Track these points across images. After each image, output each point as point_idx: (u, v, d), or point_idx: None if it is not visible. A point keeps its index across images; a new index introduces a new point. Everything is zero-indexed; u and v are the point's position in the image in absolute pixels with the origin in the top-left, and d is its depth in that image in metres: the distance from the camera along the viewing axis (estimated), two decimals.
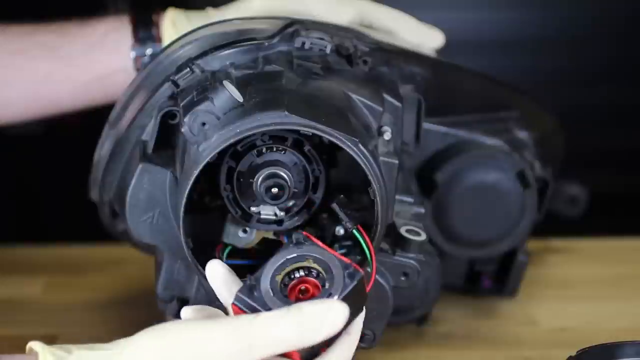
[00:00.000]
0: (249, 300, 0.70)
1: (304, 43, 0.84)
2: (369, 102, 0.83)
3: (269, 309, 0.69)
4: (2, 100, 0.98)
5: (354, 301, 0.70)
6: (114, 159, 0.87)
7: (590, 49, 1.50)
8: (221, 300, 0.74)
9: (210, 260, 0.75)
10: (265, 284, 0.70)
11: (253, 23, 0.87)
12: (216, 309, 0.73)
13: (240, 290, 0.70)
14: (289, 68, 0.83)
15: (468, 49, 1.40)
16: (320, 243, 0.73)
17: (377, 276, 0.83)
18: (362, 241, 0.78)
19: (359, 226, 0.79)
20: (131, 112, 0.86)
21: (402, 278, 0.84)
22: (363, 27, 0.95)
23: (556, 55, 1.51)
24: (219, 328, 0.67)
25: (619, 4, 1.50)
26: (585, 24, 1.50)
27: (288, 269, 0.72)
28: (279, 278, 0.71)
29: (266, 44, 0.84)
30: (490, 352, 0.95)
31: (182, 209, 0.77)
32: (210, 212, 0.83)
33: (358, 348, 0.83)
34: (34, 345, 0.70)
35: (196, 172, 0.76)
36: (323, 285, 0.71)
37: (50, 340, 0.94)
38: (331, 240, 0.81)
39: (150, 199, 0.83)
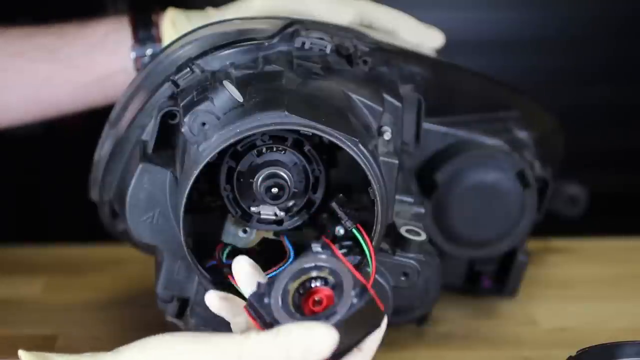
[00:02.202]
0: (257, 307, 0.69)
1: (304, 43, 0.84)
2: (369, 102, 0.83)
3: (274, 319, 0.69)
4: (2, 103, 0.98)
5: (363, 320, 0.69)
6: (114, 159, 0.87)
7: (590, 49, 1.50)
8: (244, 295, 0.74)
9: (238, 256, 0.75)
10: (276, 292, 0.69)
11: (253, 23, 0.87)
12: (240, 301, 0.73)
13: (252, 295, 0.70)
14: (289, 68, 0.83)
15: (468, 49, 1.40)
16: (339, 254, 0.71)
17: (377, 276, 0.83)
18: (361, 240, 0.78)
19: (358, 225, 0.79)
20: (131, 112, 0.86)
21: (402, 278, 0.84)
22: (363, 27, 0.95)
23: (556, 55, 1.51)
24: (207, 348, 0.67)
25: (619, 4, 1.50)
26: (585, 24, 1.50)
27: (305, 278, 0.70)
28: (293, 286, 0.70)
29: (266, 44, 0.84)
30: (490, 352, 0.95)
31: (182, 209, 0.77)
32: (210, 212, 0.83)
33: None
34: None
35: (196, 172, 0.76)
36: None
37: (50, 340, 0.94)
38: (331, 240, 0.81)
39: (150, 199, 0.83)
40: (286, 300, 0.69)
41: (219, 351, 0.67)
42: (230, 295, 0.75)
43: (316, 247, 0.71)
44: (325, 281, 0.70)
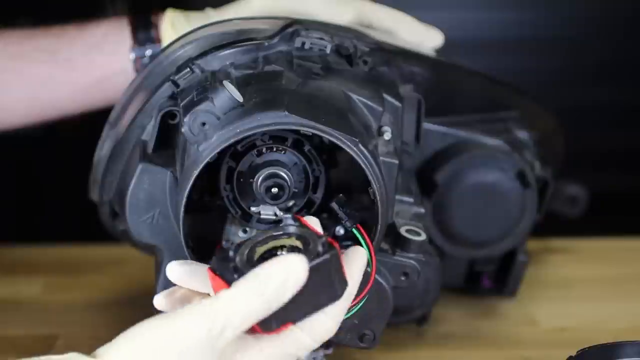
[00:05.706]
0: (222, 267, 0.70)
1: (304, 43, 0.84)
2: (369, 102, 0.83)
3: (241, 274, 0.69)
4: (2, 105, 0.98)
5: (328, 281, 0.69)
6: (114, 159, 0.87)
7: (590, 49, 1.50)
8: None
9: (169, 264, 0.75)
10: (243, 252, 0.70)
11: (253, 23, 0.87)
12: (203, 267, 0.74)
13: (216, 256, 0.71)
14: (289, 68, 0.83)
15: (468, 49, 1.40)
16: (308, 224, 0.72)
17: (377, 276, 0.83)
18: (361, 240, 0.78)
19: (358, 225, 0.79)
20: (131, 113, 0.86)
21: (402, 278, 0.84)
22: (363, 27, 0.95)
23: (556, 55, 1.51)
24: (186, 319, 0.66)
25: (619, 4, 1.50)
26: (585, 24, 1.50)
27: (272, 244, 0.71)
28: (260, 250, 0.71)
29: (266, 44, 0.84)
30: (490, 352, 0.95)
31: (182, 209, 0.77)
32: (210, 212, 0.83)
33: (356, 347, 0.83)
34: None
35: (196, 172, 0.77)
36: None
37: (50, 340, 0.94)
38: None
39: (150, 199, 0.83)
40: (252, 259, 0.70)
41: (199, 321, 0.66)
42: (193, 262, 0.75)
43: (287, 219, 0.73)
44: (291, 249, 0.71)
